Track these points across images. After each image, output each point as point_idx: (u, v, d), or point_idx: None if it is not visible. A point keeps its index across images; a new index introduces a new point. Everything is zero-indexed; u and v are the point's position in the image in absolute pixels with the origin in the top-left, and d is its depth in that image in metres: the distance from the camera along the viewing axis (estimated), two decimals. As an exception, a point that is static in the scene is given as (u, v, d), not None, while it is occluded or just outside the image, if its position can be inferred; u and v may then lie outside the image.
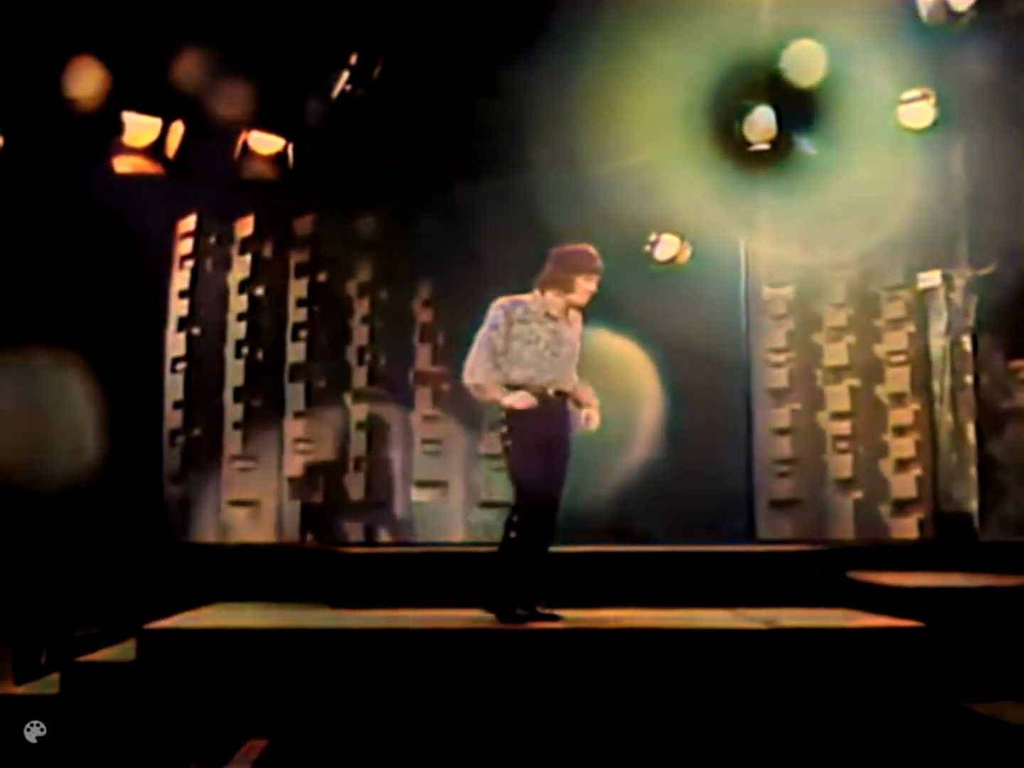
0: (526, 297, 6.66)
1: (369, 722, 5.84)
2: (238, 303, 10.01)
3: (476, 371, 6.55)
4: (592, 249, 6.67)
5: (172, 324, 10.03)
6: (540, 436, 6.48)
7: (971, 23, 7.99)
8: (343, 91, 8.53)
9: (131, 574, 8.32)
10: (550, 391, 6.58)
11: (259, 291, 10.00)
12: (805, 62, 8.57)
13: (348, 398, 9.95)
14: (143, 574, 8.34)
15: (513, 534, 6.45)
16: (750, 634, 6.26)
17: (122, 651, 6.39)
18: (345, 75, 8.47)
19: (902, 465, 9.15)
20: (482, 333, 6.58)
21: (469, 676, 5.99)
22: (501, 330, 6.54)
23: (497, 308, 6.61)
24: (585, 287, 6.64)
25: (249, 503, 9.88)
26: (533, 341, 6.55)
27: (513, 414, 6.48)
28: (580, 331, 6.80)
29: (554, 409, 6.61)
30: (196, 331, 10.00)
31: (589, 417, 6.66)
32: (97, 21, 8.30)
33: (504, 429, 6.55)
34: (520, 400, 6.46)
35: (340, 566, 7.93)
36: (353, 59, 8.37)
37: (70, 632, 7.63)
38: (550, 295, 6.66)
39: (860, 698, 5.89)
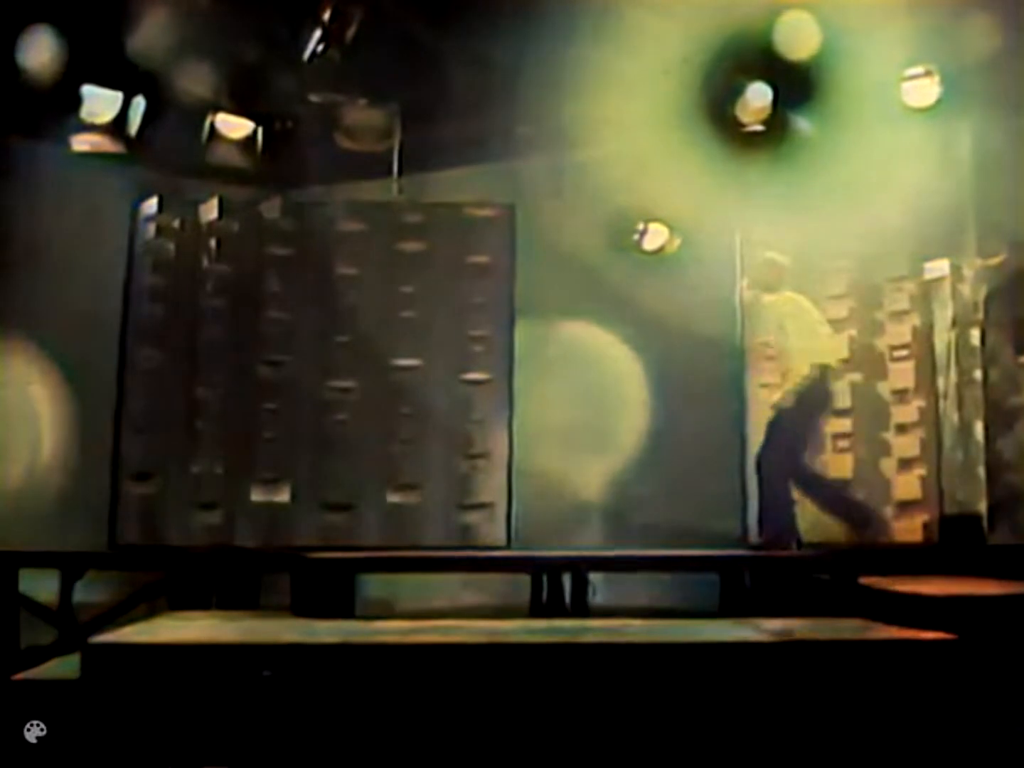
0: None
1: (342, 748, 5.38)
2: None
3: None
4: None
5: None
6: None
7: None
8: (315, 52, 8.15)
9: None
10: None
11: (224, 277, 9.52)
12: (797, 34, 8.25)
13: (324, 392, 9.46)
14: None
15: None
16: (760, 647, 5.81)
17: (65, 667, 5.88)
18: (318, 34, 8.09)
19: (905, 465, 8.91)
20: None
21: (457, 695, 5.51)
22: None
23: None
24: None
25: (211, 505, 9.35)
26: None
27: None
28: None
29: None
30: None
31: None
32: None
33: None
34: None
35: (306, 572, 7.44)
36: (326, 15, 8.00)
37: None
38: None
39: (889, 719, 5.44)
